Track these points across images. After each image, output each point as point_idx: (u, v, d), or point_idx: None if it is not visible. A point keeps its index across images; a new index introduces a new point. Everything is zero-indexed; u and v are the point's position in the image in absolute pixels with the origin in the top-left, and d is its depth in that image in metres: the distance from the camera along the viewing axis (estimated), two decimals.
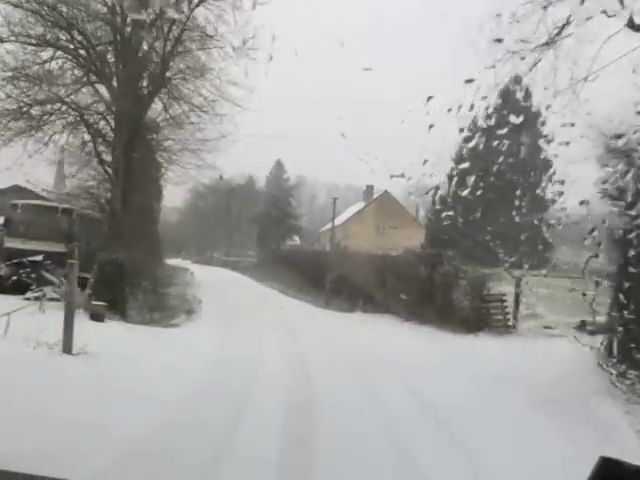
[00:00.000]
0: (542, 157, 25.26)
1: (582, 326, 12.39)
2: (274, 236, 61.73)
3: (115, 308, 15.61)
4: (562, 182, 5.85)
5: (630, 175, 6.18)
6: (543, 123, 8.66)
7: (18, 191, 24.34)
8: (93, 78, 19.43)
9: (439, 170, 5.11)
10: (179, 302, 20.39)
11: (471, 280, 18.07)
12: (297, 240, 67.66)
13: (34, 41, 18.23)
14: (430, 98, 4.34)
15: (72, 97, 19.66)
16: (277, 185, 71.25)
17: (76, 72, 19.81)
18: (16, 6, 17.52)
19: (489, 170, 12.76)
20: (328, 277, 24.93)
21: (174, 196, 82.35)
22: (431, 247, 27.04)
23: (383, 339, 15.50)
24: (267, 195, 66.05)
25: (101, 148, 22.42)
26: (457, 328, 16.67)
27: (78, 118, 20.16)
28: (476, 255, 18.23)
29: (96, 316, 13.71)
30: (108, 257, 16.48)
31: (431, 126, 4.39)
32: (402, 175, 4.82)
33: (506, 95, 16.72)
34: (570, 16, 10.70)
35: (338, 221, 44.30)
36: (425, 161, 4.60)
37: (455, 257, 20.40)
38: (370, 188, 57.00)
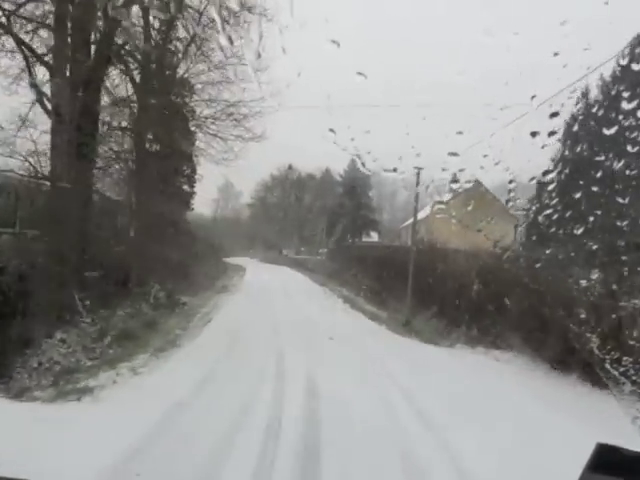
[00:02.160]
0: None
1: None
2: (348, 231, 54.47)
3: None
4: None
5: None
6: None
7: None
8: None
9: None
10: (171, 325, 13.05)
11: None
12: (375, 237, 59.68)
13: None
14: None
15: None
16: (353, 177, 62.96)
17: None
18: None
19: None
20: (410, 282, 17.12)
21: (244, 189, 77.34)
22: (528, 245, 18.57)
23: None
24: (342, 185, 58.44)
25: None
26: None
27: None
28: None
29: None
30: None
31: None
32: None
33: None
34: None
35: (421, 215, 38.01)
36: None
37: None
38: (457, 177, 48.40)
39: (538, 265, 11.54)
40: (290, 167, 62.66)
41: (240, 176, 42.03)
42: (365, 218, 56.47)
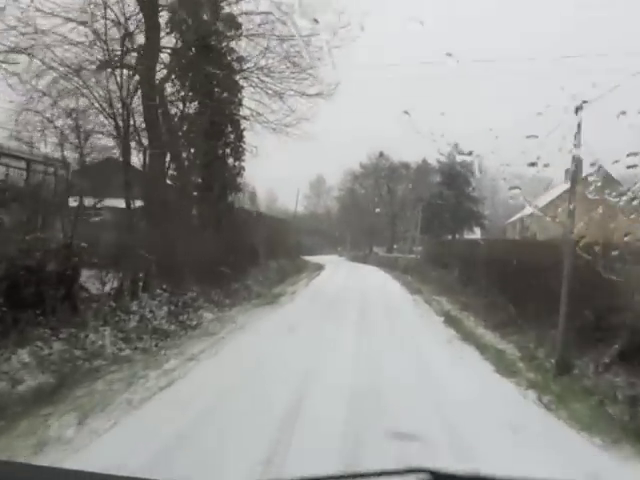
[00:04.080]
0: None
1: None
2: (447, 226, 46.93)
3: None
4: None
5: None
6: None
7: None
8: None
9: None
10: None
11: None
12: (477, 233, 51.56)
13: None
14: None
15: None
16: (452, 165, 54.16)
17: None
18: None
19: None
20: (565, 295, 10.00)
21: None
22: None
23: None
24: (440, 172, 50.60)
25: None
26: None
27: None
28: None
29: None
30: None
31: None
32: None
33: None
34: None
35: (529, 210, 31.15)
36: None
37: None
38: (578, 165, 39.59)
39: None
40: (381, 154, 55.87)
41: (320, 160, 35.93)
42: (468, 211, 48.46)
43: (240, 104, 18.03)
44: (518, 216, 45.44)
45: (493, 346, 10.49)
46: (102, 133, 12.90)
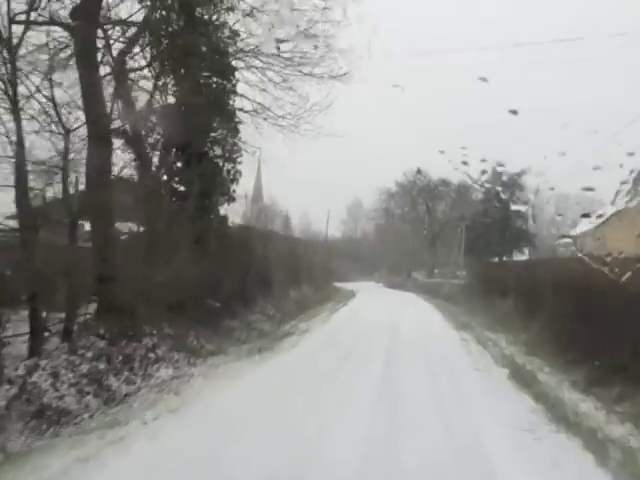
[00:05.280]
0: None
1: None
2: (493, 246, 42.07)
3: None
4: None
5: None
6: None
7: None
8: None
9: None
10: None
11: None
12: (525, 253, 46.51)
13: None
14: None
15: None
16: (497, 180, 48.67)
17: None
18: None
19: None
20: None
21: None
22: None
23: None
24: (483, 189, 45.81)
25: None
26: None
27: None
28: None
29: None
30: None
31: None
32: None
33: None
34: None
35: (582, 228, 27.91)
36: None
37: None
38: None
39: None
40: (419, 171, 51.52)
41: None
42: (517, 229, 43.46)
43: (234, 91, 14.28)
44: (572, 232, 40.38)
45: (611, 438, 6.04)
46: None
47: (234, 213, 17.59)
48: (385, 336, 14.01)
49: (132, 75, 11.88)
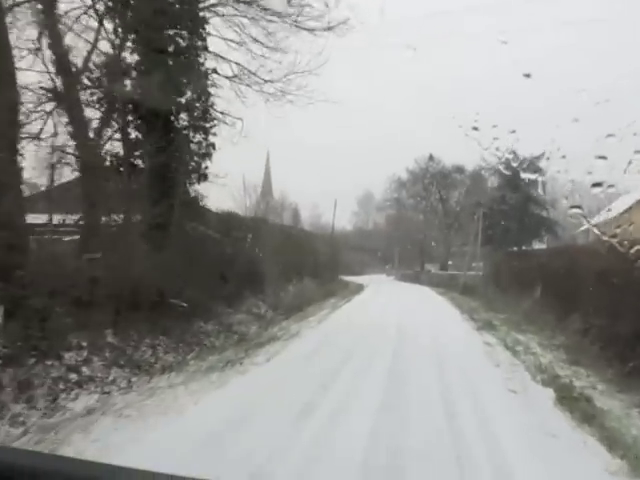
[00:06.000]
0: None
1: None
2: (511, 235, 39.24)
3: None
4: None
5: None
6: None
7: None
8: None
9: None
10: None
11: None
12: (545, 242, 43.63)
13: None
14: None
15: None
16: (513, 167, 45.66)
17: None
18: None
19: None
20: None
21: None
22: None
23: None
24: (499, 174, 42.84)
25: None
26: None
27: None
28: None
29: None
30: None
31: None
32: None
33: None
34: None
35: (604, 216, 25.12)
36: None
37: None
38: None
39: None
40: (431, 158, 48.71)
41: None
42: (537, 217, 40.55)
43: (205, 47, 11.82)
44: (594, 221, 37.46)
45: None
46: None
47: (223, 199, 15.25)
48: (390, 345, 11.33)
49: (68, 16, 9.47)
